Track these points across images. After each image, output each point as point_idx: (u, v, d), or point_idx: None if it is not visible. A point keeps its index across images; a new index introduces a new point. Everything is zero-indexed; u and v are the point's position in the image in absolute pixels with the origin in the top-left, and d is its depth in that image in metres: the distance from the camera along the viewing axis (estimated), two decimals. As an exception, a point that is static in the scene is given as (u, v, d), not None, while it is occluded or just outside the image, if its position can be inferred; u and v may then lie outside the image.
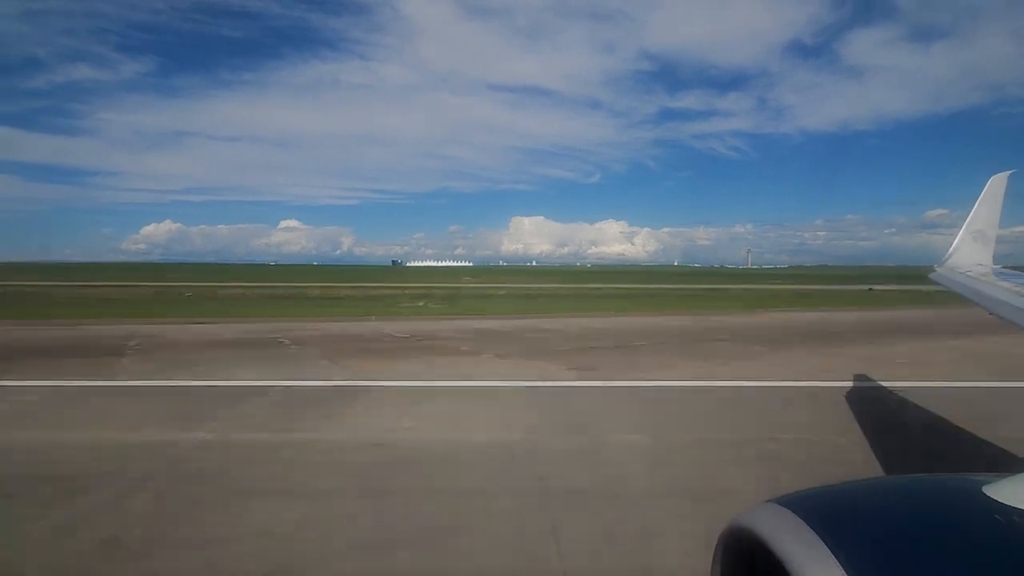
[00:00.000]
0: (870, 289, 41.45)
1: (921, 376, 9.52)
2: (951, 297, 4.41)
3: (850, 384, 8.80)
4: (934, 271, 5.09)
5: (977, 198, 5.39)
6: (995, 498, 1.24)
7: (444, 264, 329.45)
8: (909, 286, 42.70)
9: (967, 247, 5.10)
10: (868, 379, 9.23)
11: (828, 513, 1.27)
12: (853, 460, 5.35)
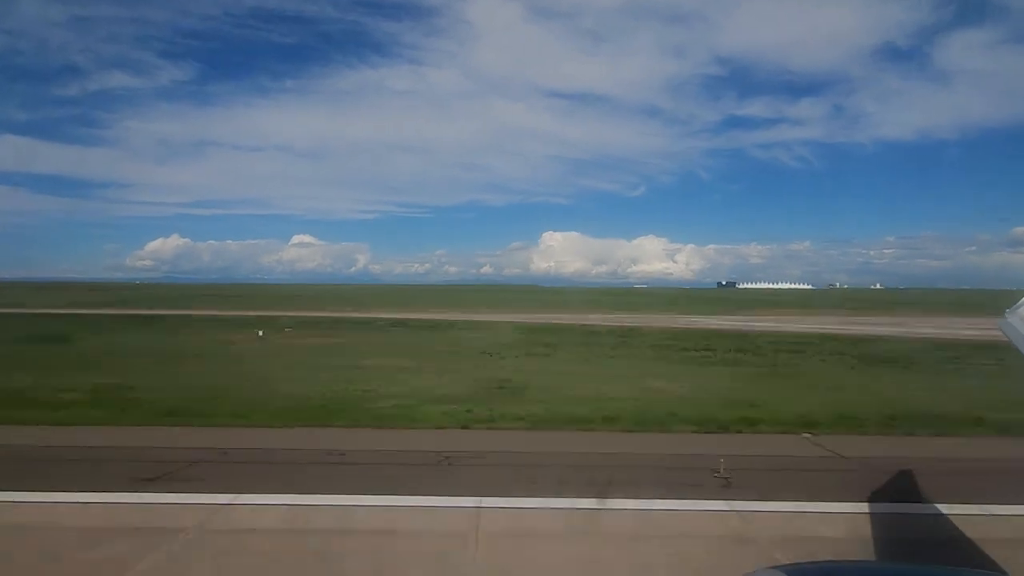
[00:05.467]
0: None
1: None
2: None
3: None
4: (1003, 317, 4.10)
5: None
6: None
7: (779, 286, 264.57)
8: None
9: None
10: None
11: None
12: None
